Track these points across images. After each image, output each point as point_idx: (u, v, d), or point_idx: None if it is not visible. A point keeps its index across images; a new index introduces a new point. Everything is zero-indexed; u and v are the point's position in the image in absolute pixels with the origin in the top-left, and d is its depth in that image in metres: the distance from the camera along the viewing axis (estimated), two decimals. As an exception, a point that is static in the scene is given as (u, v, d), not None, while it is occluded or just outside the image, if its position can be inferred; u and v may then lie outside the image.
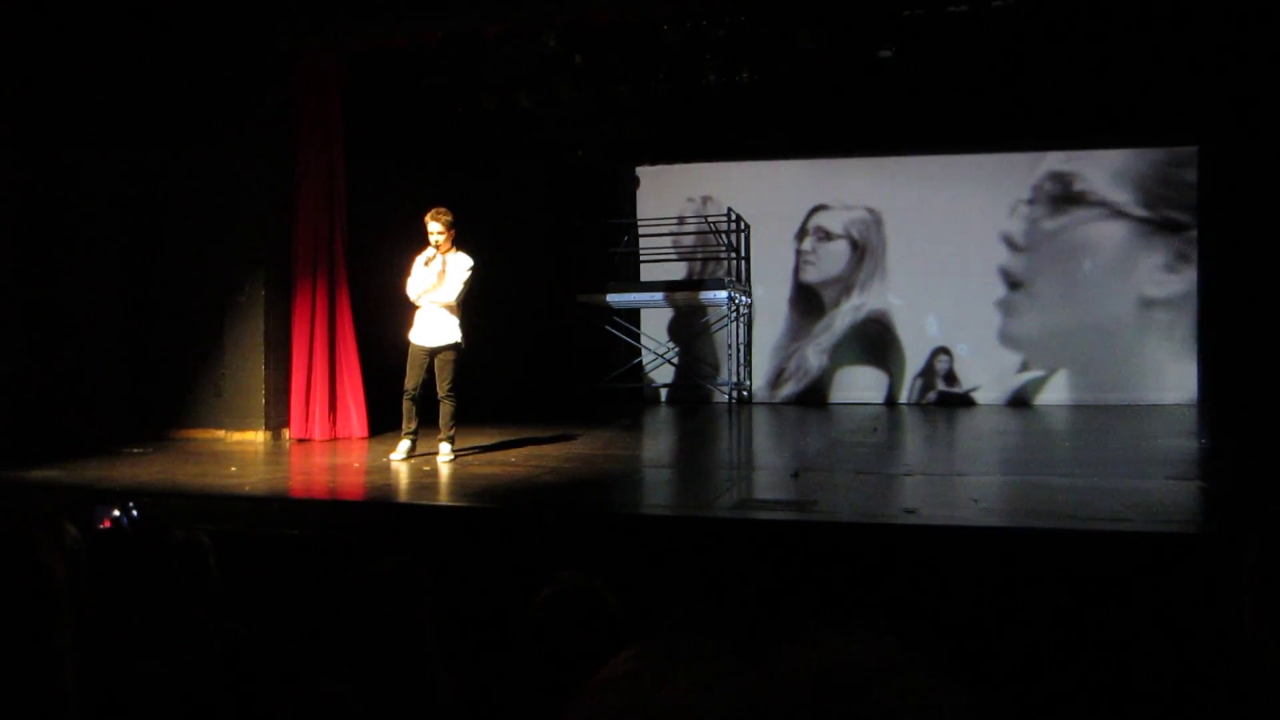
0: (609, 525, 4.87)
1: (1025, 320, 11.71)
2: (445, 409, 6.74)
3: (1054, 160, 11.59)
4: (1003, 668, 3.37)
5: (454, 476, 6.12)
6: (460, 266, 6.70)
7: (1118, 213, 11.46)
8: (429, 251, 6.62)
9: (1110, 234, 11.49)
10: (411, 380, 6.72)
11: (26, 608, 0.82)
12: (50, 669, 0.83)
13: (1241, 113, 10.14)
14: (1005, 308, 11.75)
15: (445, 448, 6.73)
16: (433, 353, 6.70)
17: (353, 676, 2.05)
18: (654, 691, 0.59)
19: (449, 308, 6.70)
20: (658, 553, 4.46)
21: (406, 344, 6.80)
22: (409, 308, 6.80)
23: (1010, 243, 11.74)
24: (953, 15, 7.99)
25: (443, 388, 6.72)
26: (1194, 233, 11.26)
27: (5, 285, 7.49)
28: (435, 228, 6.59)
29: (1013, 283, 11.73)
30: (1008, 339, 11.74)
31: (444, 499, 5.53)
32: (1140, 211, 11.41)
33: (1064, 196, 11.61)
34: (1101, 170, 11.49)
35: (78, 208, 8.04)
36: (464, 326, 6.78)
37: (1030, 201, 11.69)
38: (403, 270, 6.87)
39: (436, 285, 6.64)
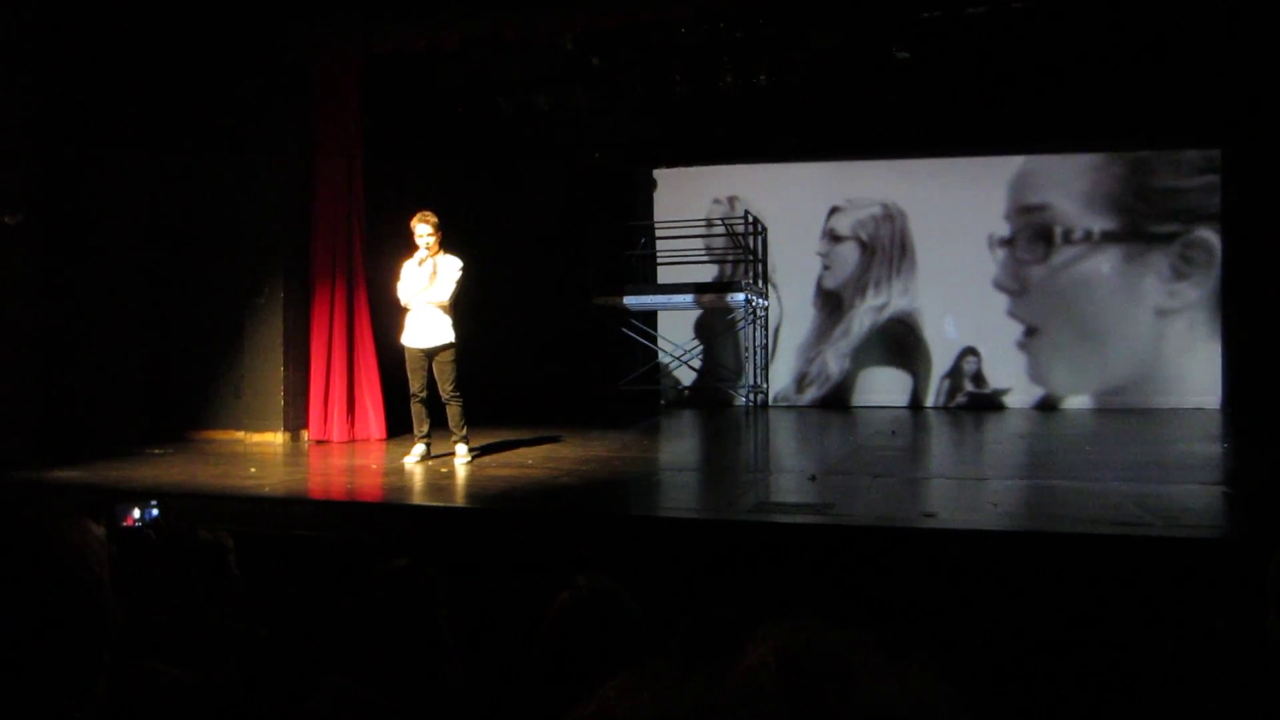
0: (626, 528, 4.87)
1: (1046, 324, 11.65)
2: (453, 410, 6.75)
3: (1070, 161, 11.54)
4: (1021, 672, 3.35)
5: (471, 479, 6.13)
6: (450, 267, 6.72)
7: (1135, 215, 11.39)
8: (420, 254, 6.64)
9: (1132, 234, 11.41)
10: (415, 383, 6.74)
11: (72, 605, 0.82)
12: (90, 670, 0.83)
13: (1267, 114, 10.05)
14: (1026, 310, 11.69)
15: (461, 449, 6.75)
16: (429, 354, 6.72)
17: (371, 676, 2.06)
18: (615, 708, 0.59)
19: (442, 307, 6.71)
20: (675, 556, 4.46)
21: (401, 349, 6.83)
22: (400, 312, 6.82)
23: (1032, 243, 11.68)
24: (971, 16, 7.96)
25: (446, 389, 6.73)
26: (1215, 236, 11.18)
27: (28, 288, 7.56)
28: (424, 230, 6.61)
29: (1033, 284, 11.67)
30: (1029, 342, 11.68)
31: (461, 501, 5.54)
32: (1158, 214, 11.33)
33: (1083, 199, 11.55)
34: (1120, 173, 11.42)
35: (99, 211, 8.11)
36: (456, 326, 6.79)
37: (1051, 204, 11.64)
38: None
39: (429, 286, 6.65)
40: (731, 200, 12.39)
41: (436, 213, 6.73)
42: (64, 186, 7.83)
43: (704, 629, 2.23)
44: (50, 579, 0.81)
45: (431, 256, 6.64)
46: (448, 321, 6.72)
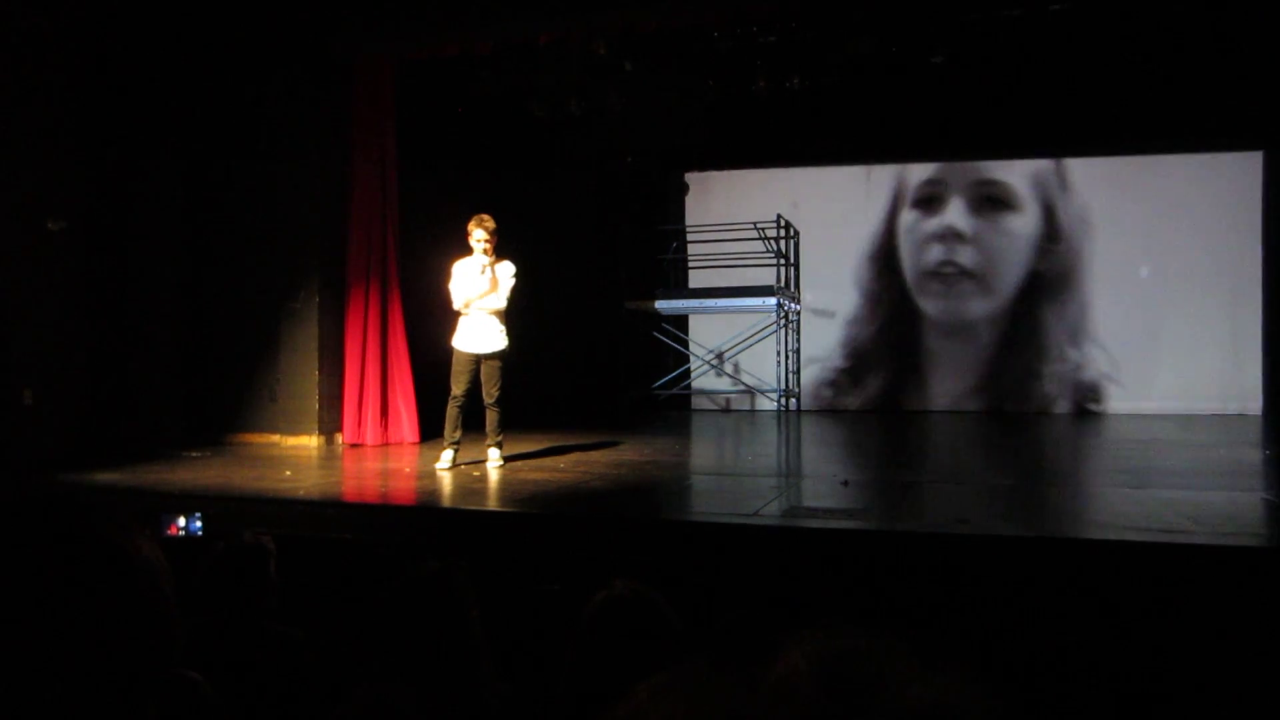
0: (657, 531, 4.87)
1: (1082, 328, 11.51)
2: (493, 415, 6.72)
3: (1107, 164, 11.40)
4: (1057, 680, 3.31)
5: (504, 482, 6.16)
6: (506, 273, 6.67)
7: (1177, 219, 11.23)
8: (480, 259, 6.56)
9: (1170, 239, 11.26)
10: (460, 387, 6.68)
11: (141, 621, 0.84)
12: (150, 686, 0.85)
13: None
14: (1061, 315, 11.56)
15: (495, 453, 6.76)
16: (481, 359, 6.68)
17: (405, 679, 2.08)
18: (649, 711, 0.59)
19: (498, 314, 6.67)
20: (706, 559, 4.45)
21: (451, 351, 6.78)
22: (454, 315, 6.77)
23: (1065, 248, 11.56)
24: (1007, 19, 7.89)
25: (492, 395, 6.69)
26: (1257, 239, 11.01)
27: (71, 293, 7.70)
28: (481, 235, 6.52)
29: (1068, 290, 11.54)
30: (1063, 346, 11.55)
31: (494, 505, 5.56)
32: (1201, 217, 11.17)
33: (1120, 202, 11.40)
34: (1160, 176, 11.27)
35: (139, 216, 8.24)
36: (511, 333, 6.77)
37: (1085, 207, 11.50)
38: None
39: (489, 292, 6.61)
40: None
41: (494, 217, 6.64)
42: (106, 192, 7.97)
43: (737, 632, 2.23)
44: (122, 595, 0.82)
45: (491, 263, 6.56)
46: (503, 329, 6.69)
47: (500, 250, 6.72)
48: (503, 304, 6.67)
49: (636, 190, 12.61)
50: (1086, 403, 11.44)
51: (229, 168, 8.52)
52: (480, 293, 6.60)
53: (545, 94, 9.59)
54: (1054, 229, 11.61)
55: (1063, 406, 11.50)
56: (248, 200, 8.48)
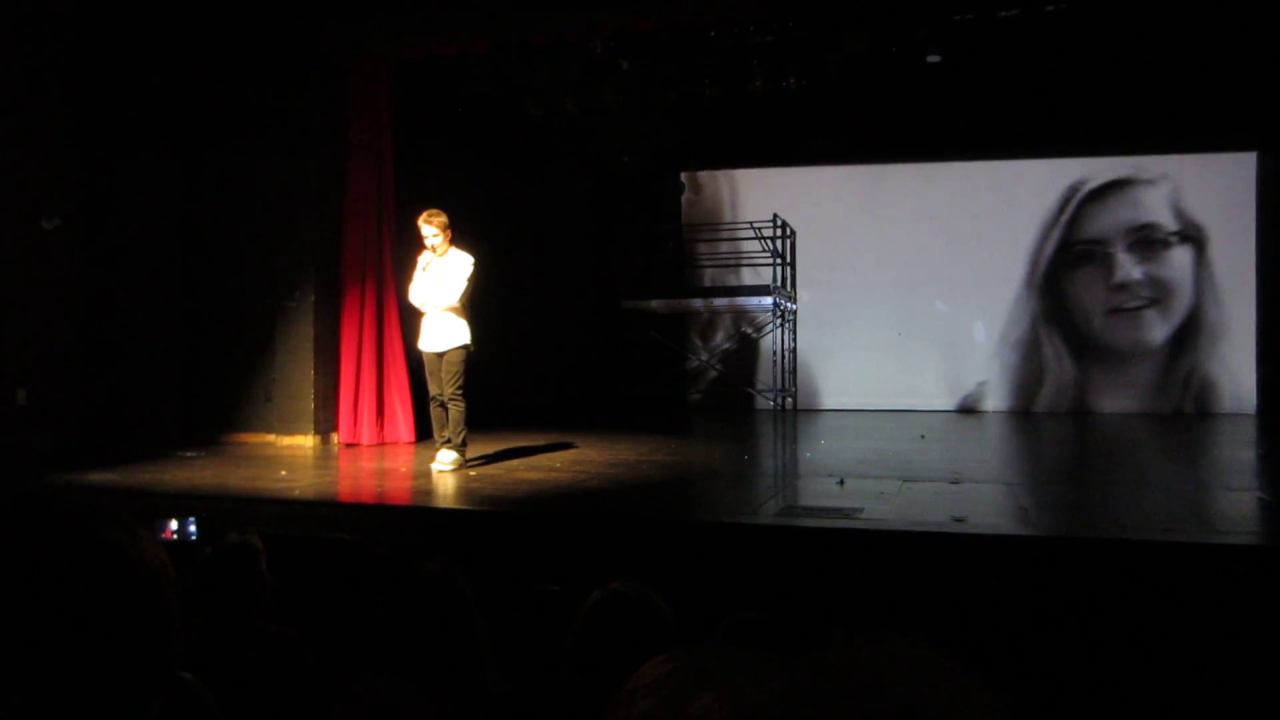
0: (652, 531, 4.86)
1: (1077, 327, 11.53)
2: (451, 412, 6.48)
3: (1100, 166, 11.42)
4: (1052, 677, 3.31)
5: (499, 482, 6.14)
6: (461, 266, 6.45)
7: (1171, 220, 11.26)
8: (424, 256, 6.44)
9: (1165, 240, 11.28)
10: (434, 387, 6.56)
11: (145, 626, 0.83)
12: (152, 691, 0.84)
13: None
14: (1055, 314, 11.58)
15: (446, 454, 6.45)
16: (442, 357, 6.52)
17: (408, 678, 2.07)
18: (683, 701, 0.59)
19: (453, 310, 6.47)
20: (702, 559, 4.45)
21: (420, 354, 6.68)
22: (417, 315, 6.66)
23: (1058, 248, 11.57)
24: (1003, 20, 7.90)
25: (447, 390, 6.45)
26: (1251, 241, 11.04)
27: (65, 292, 7.67)
28: (430, 230, 6.35)
29: (1063, 288, 11.56)
30: (1057, 346, 11.57)
31: (490, 505, 5.55)
32: (1194, 220, 11.19)
33: (1113, 202, 11.42)
34: (1154, 176, 11.29)
35: (133, 215, 8.21)
36: (472, 328, 6.55)
37: (1080, 206, 11.52)
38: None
39: (436, 289, 6.42)
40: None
41: (446, 211, 6.49)
42: (99, 190, 7.94)
43: (744, 633, 2.23)
44: (124, 597, 0.81)
45: (439, 257, 6.42)
46: (460, 324, 6.48)
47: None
48: (454, 300, 6.43)
49: (634, 190, 12.61)
50: (1077, 401, 11.44)
51: (224, 166, 8.49)
52: (428, 290, 6.46)
53: (542, 93, 9.58)
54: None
55: (1059, 405, 11.51)
56: (243, 199, 8.45)
